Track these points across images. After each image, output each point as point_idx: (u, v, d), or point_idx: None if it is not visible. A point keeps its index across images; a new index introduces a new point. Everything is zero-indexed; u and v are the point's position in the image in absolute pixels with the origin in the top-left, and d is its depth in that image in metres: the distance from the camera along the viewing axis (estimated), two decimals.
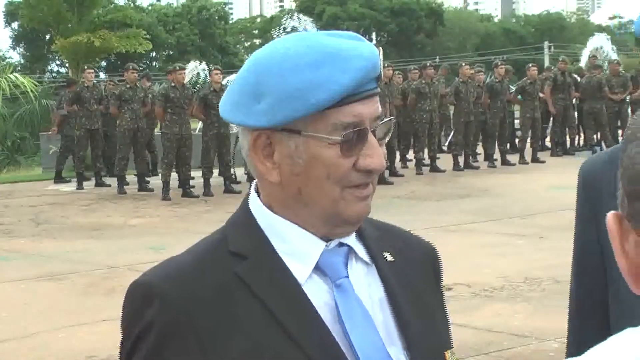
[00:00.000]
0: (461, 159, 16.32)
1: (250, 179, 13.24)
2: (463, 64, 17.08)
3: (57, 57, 51.09)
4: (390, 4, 60.98)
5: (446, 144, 18.51)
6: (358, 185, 1.24)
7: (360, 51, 1.21)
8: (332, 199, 1.23)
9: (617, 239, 0.80)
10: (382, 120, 1.27)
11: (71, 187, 14.96)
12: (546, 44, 47.43)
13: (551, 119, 17.82)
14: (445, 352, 1.33)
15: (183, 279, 1.23)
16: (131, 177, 14.43)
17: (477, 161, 16.78)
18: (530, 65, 17.64)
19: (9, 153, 23.39)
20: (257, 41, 62.26)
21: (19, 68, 32.73)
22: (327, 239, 1.27)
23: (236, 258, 1.25)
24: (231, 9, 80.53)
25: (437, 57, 42.49)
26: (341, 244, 1.28)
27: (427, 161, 16.08)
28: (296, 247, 1.26)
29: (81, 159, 14.87)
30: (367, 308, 1.26)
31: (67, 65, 27.15)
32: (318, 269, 1.26)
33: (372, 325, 1.25)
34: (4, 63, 31.07)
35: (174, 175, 13.35)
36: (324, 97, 1.18)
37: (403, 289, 1.31)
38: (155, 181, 13.93)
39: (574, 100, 18.02)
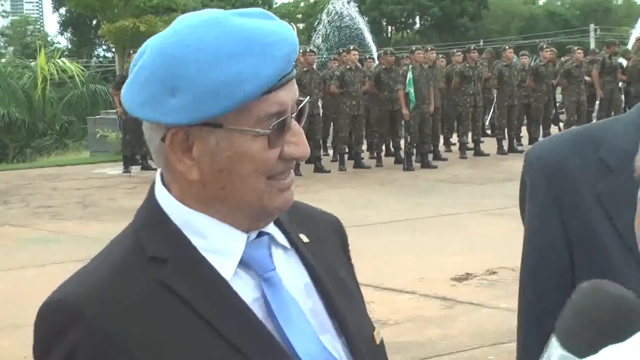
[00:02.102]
0: (505, 143, 16.22)
1: None
2: (506, 48, 16.96)
3: (103, 42, 51.78)
4: None
5: (487, 123, 18.34)
6: (281, 173, 1.17)
7: (282, 35, 1.13)
8: (258, 193, 1.16)
9: None
10: (303, 102, 1.19)
11: (118, 170, 15.19)
12: (592, 26, 46.73)
13: (597, 102, 17.60)
14: (373, 333, 1.28)
15: (105, 294, 1.13)
16: None
17: (522, 145, 16.66)
18: (575, 48, 17.42)
19: (57, 137, 23.82)
20: (300, 25, 62.24)
21: (66, 53, 33.25)
22: (246, 230, 1.20)
23: (156, 263, 1.15)
24: None
25: (481, 40, 42.14)
26: (261, 233, 1.22)
27: (470, 145, 16.02)
28: (217, 243, 1.18)
29: (127, 143, 15.06)
30: (295, 297, 1.20)
31: (113, 50, 27.46)
32: (243, 263, 1.19)
33: (304, 316, 1.20)
34: (52, 48, 31.60)
35: None
36: (250, 91, 1.10)
37: (325, 271, 1.26)
38: None
39: (620, 84, 17.76)
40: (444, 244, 8.25)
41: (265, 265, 1.19)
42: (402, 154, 14.79)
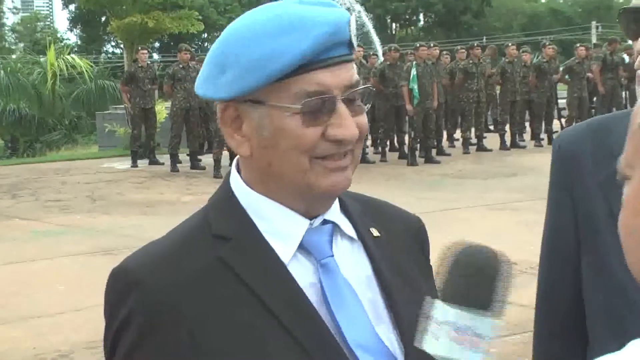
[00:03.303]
0: (508, 138, 16.32)
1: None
2: (509, 44, 17.07)
3: (112, 39, 51.94)
4: None
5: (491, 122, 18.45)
6: (331, 155, 1.19)
7: (323, 17, 1.16)
8: (300, 171, 1.18)
9: None
10: (358, 88, 1.20)
11: (126, 164, 15.30)
12: (593, 23, 46.69)
13: (594, 98, 17.61)
14: None
15: (163, 265, 1.19)
16: (184, 156, 14.63)
17: (524, 140, 16.76)
18: (578, 45, 17.50)
19: (66, 132, 23.92)
20: None
21: (75, 49, 33.40)
22: (310, 216, 1.23)
23: (219, 241, 1.20)
24: None
25: (484, 37, 42.19)
26: (325, 222, 1.25)
27: (474, 140, 16.12)
28: (279, 227, 1.22)
29: (135, 137, 15.19)
30: (354, 286, 1.22)
31: (121, 46, 27.58)
32: (302, 248, 1.22)
33: (359, 304, 1.21)
34: (62, 44, 31.70)
35: (226, 153, 13.59)
36: (281, 66, 1.14)
37: (390, 266, 1.28)
38: (207, 159, 14.14)
39: (621, 80, 17.78)
40: (448, 238, 8.34)
41: (323, 251, 1.22)
42: (406, 149, 14.89)
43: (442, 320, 1.02)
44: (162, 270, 1.18)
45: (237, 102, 1.20)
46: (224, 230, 1.21)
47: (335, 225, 1.25)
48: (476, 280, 1.05)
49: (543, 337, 1.59)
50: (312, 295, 1.19)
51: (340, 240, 1.26)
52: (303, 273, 1.20)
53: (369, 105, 1.23)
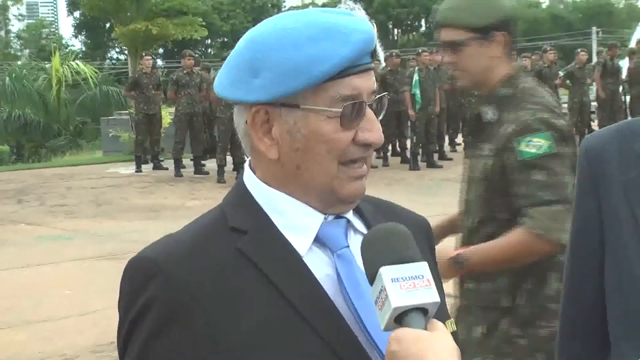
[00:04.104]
0: None
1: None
2: None
3: (116, 45, 52.09)
4: None
5: None
6: (355, 160, 1.24)
7: (357, 25, 1.22)
8: (329, 176, 1.23)
9: None
10: (377, 95, 1.26)
11: (130, 170, 15.35)
12: (594, 29, 46.73)
13: (593, 103, 17.62)
14: (446, 322, 1.29)
15: (183, 254, 1.20)
16: (187, 161, 14.70)
17: None
18: (579, 50, 17.53)
19: (71, 137, 23.98)
20: None
21: (80, 55, 33.51)
22: (324, 213, 1.27)
23: (236, 233, 1.22)
24: None
25: None
26: (339, 217, 1.28)
27: None
28: (295, 221, 1.24)
29: (139, 143, 15.27)
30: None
31: (126, 52, 27.68)
32: (318, 241, 1.25)
33: None
34: (67, 51, 31.78)
35: (229, 158, 13.66)
36: (325, 69, 1.18)
37: None
38: (211, 164, 14.20)
39: (620, 86, 17.78)
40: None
41: (338, 242, 1.25)
42: (408, 153, 14.96)
43: (392, 279, 1.12)
44: (182, 260, 1.19)
45: (268, 106, 1.22)
46: (240, 223, 1.24)
47: (348, 221, 1.29)
48: (394, 240, 1.16)
49: (566, 337, 1.62)
50: (329, 287, 1.21)
51: (354, 235, 1.29)
52: (319, 265, 1.23)
53: (383, 112, 1.28)
